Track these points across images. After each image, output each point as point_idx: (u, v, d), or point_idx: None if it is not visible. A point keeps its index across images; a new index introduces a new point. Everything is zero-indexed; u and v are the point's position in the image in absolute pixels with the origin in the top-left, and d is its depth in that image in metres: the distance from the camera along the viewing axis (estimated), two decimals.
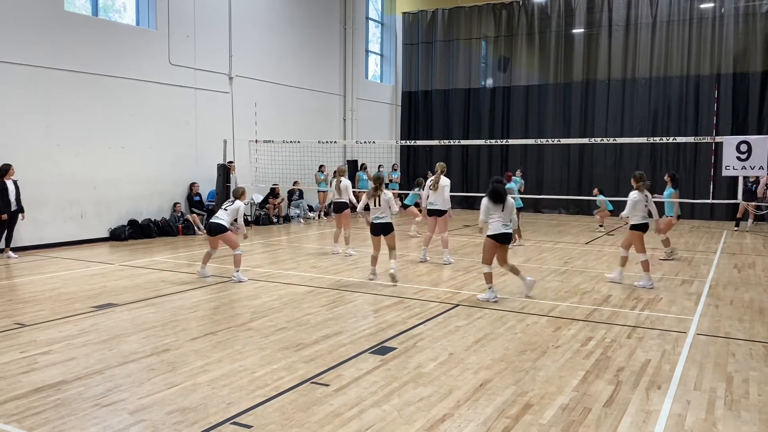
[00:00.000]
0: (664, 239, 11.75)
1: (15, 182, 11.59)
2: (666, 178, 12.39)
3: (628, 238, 9.32)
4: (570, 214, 21.22)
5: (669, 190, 12.07)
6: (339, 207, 12.13)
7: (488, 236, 8.17)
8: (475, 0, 23.20)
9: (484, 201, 8.23)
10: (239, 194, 9.88)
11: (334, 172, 12.66)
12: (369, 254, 9.75)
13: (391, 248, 9.30)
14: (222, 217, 9.59)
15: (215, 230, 9.52)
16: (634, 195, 9.21)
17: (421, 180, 13.55)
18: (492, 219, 8.15)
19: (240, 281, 9.33)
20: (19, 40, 12.15)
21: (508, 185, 13.90)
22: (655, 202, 9.51)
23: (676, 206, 12.13)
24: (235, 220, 9.69)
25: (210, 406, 4.64)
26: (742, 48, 19.17)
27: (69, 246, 12.96)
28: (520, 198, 14.09)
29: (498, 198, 8.10)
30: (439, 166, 11.33)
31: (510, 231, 8.20)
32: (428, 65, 24.12)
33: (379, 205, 9.33)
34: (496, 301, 8.06)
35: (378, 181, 9.59)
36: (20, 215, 11.65)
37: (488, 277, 8.17)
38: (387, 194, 9.42)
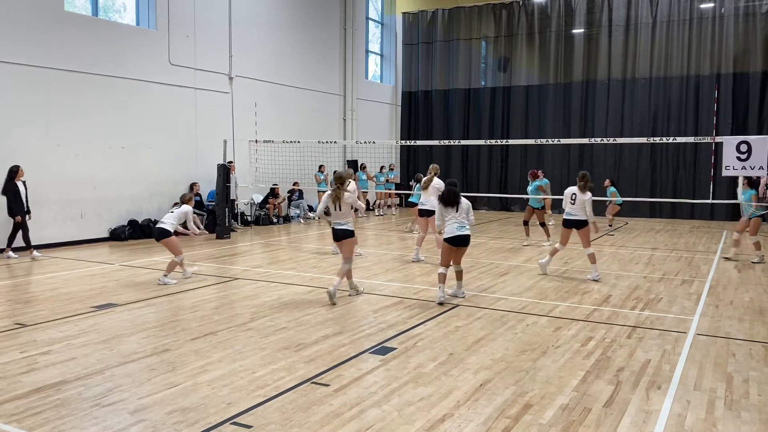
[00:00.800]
0: (756, 242, 11.54)
1: (24, 183, 11.59)
2: (744, 181, 11.87)
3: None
4: None
5: (750, 191, 11.62)
6: None
7: (444, 239, 8.17)
8: (475, 0, 23.21)
9: (438, 205, 8.27)
10: (186, 199, 9.74)
11: (334, 172, 12.58)
12: (369, 253, 9.72)
13: (345, 258, 8.30)
14: (167, 221, 9.41)
15: (159, 235, 9.38)
16: (569, 188, 9.84)
17: (420, 176, 13.50)
18: (447, 222, 8.14)
19: (166, 284, 9.11)
20: (19, 40, 12.14)
21: (537, 182, 13.89)
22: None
23: (755, 208, 11.72)
24: (185, 224, 9.57)
25: (210, 406, 4.64)
26: (742, 48, 19.18)
27: (69, 246, 12.96)
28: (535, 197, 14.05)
29: (449, 201, 8.10)
30: (433, 168, 11.31)
31: (467, 233, 8.13)
32: (428, 65, 24.11)
33: (341, 209, 8.20)
34: (441, 303, 7.93)
35: (339, 180, 8.33)
36: (27, 216, 11.64)
37: (441, 278, 8.11)
38: (350, 196, 8.26)
